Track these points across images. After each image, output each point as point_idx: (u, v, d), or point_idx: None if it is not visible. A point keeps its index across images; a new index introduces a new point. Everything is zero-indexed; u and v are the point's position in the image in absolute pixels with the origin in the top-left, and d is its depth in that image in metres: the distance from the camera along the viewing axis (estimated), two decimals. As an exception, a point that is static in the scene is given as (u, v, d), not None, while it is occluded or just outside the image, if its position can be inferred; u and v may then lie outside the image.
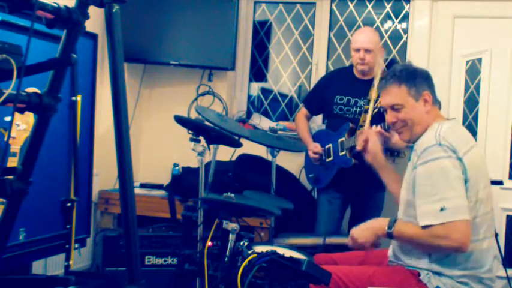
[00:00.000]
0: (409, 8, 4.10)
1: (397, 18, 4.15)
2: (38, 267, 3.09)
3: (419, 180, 2.00)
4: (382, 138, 2.97)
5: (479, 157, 2.10)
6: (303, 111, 3.61)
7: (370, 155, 2.51)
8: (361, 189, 3.33)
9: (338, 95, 3.37)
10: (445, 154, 1.95)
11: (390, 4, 4.15)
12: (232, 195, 2.26)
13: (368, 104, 3.24)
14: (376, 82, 3.18)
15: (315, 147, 3.36)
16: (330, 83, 3.48)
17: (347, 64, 4.12)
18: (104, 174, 3.72)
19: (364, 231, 2.13)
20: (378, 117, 3.10)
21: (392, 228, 2.03)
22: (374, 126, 3.00)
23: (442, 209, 1.90)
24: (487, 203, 2.07)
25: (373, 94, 3.22)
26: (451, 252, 1.97)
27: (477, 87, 3.88)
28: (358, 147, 2.69)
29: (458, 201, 1.92)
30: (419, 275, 2.02)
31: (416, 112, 2.14)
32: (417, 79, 2.15)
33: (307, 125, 3.59)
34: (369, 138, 2.56)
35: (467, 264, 2.00)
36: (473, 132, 3.82)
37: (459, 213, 1.90)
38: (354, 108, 3.33)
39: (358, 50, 3.26)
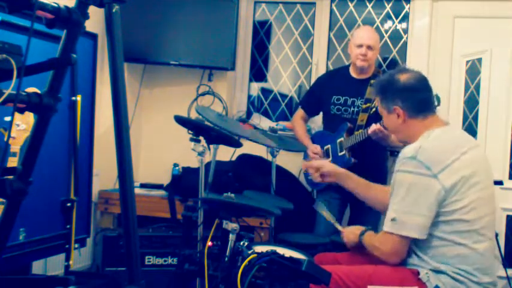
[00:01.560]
0: (409, 8, 4.10)
1: (397, 18, 4.15)
2: (38, 267, 3.09)
3: (392, 186, 2.10)
4: (381, 136, 2.98)
5: (474, 160, 2.09)
6: (299, 112, 3.61)
7: (330, 176, 2.48)
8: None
9: (335, 95, 3.37)
10: (414, 170, 1.98)
11: (390, 4, 4.15)
12: (232, 195, 2.26)
13: (365, 103, 3.25)
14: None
15: (314, 148, 3.36)
16: (327, 83, 3.48)
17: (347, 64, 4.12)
18: (104, 174, 3.73)
19: (350, 234, 2.30)
20: (376, 117, 3.10)
21: (362, 237, 2.20)
22: (373, 124, 3.01)
23: (392, 219, 2.01)
24: (488, 204, 2.07)
25: (370, 93, 3.23)
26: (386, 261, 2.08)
27: (477, 87, 3.88)
28: (318, 180, 2.53)
29: (408, 217, 1.99)
30: (418, 273, 2.03)
31: (391, 123, 2.22)
32: (388, 93, 2.18)
33: (304, 126, 3.59)
34: (316, 165, 2.51)
35: (467, 264, 2.00)
36: (473, 132, 3.82)
37: (404, 229, 1.99)
38: (352, 108, 3.33)
39: (360, 45, 3.26)
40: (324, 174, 2.48)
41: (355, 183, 2.45)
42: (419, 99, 2.16)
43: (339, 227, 2.47)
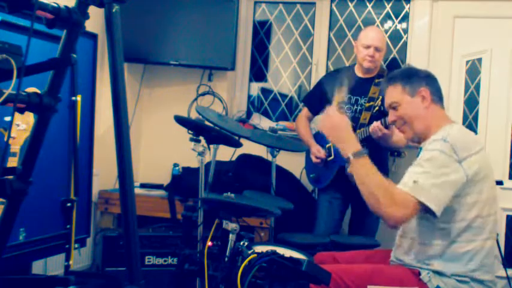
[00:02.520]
0: (409, 8, 4.10)
1: (397, 18, 4.15)
2: (38, 267, 3.09)
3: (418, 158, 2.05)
4: (382, 134, 2.98)
5: (486, 159, 2.11)
6: (303, 112, 3.61)
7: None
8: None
9: None
10: (444, 149, 1.97)
11: (390, 4, 4.15)
12: (232, 195, 2.26)
13: (369, 102, 3.25)
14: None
15: (317, 152, 3.36)
16: (331, 81, 3.47)
17: (347, 64, 4.13)
18: (104, 174, 3.72)
19: (331, 130, 2.08)
20: (379, 116, 3.11)
21: (357, 157, 1.97)
22: (374, 122, 3.01)
23: (414, 181, 1.91)
24: (493, 204, 2.08)
25: (374, 92, 3.23)
26: (382, 218, 1.95)
27: (477, 87, 3.88)
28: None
29: (430, 185, 1.92)
30: (419, 274, 2.03)
31: (413, 107, 2.16)
32: (413, 77, 2.19)
33: (308, 126, 3.59)
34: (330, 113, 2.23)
35: (468, 264, 2.00)
36: (473, 132, 3.82)
37: (423, 194, 1.90)
38: (355, 107, 3.33)
39: (368, 46, 3.25)
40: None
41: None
42: (438, 88, 2.21)
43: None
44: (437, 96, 2.18)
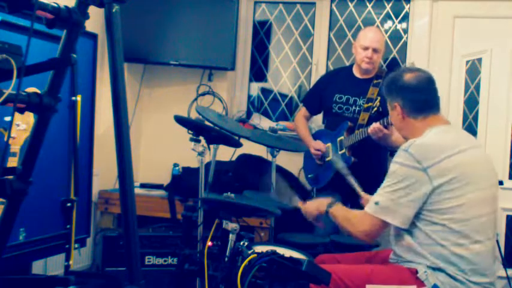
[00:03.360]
0: (409, 8, 4.10)
1: (397, 18, 4.15)
2: (38, 267, 3.09)
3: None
4: (381, 135, 2.98)
5: (471, 160, 2.09)
6: (302, 111, 3.61)
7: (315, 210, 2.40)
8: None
9: (337, 93, 3.37)
10: (405, 161, 2.01)
11: (390, 4, 4.15)
12: (232, 195, 2.26)
13: (367, 102, 3.25)
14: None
15: (316, 144, 3.37)
16: (329, 81, 3.48)
17: (347, 64, 4.12)
18: (104, 174, 3.73)
19: (313, 203, 2.39)
20: (377, 116, 3.10)
21: (330, 209, 2.28)
22: (374, 124, 3.01)
23: (376, 203, 2.06)
24: (484, 205, 2.06)
25: (372, 93, 3.22)
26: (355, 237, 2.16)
27: (477, 87, 3.88)
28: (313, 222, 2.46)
29: (393, 205, 2.02)
30: (417, 272, 2.03)
31: (394, 119, 2.28)
32: (391, 90, 2.23)
33: (307, 125, 3.59)
34: (310, 205, 2.44)
35: (466, 264, 2.00)
36: (473, 132, 3.82)
37: (387, 214, 2.03)
38: (353, 107, 3.33)
39: (366, 48, 3.25)
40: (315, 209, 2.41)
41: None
42: (418, 99, 2.17)
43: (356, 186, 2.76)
44: (414, 108, 2.16)
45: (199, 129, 2.73)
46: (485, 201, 2.08)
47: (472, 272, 2.00)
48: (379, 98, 3.19)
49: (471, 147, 2.11)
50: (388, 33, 4.16)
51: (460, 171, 2.01)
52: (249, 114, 4.42)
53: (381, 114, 3.12)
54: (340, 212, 2.26)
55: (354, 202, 3.45)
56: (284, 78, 4.42)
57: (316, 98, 3.52)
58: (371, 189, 3.30)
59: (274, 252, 1.75)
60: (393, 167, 2.06)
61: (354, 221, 2.15)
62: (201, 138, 2.76)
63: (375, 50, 3.24)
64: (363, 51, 3.26)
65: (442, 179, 1.98)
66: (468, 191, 2.02)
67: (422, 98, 2.17)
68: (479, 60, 3.87)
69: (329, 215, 2.28)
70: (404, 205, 2.00)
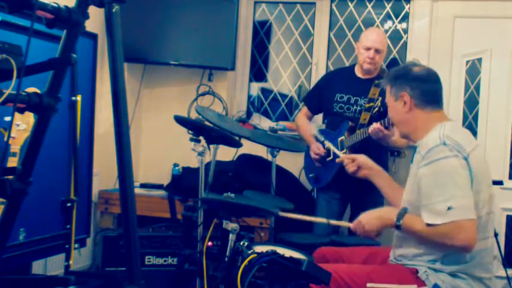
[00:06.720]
0: (409, 8, 4.10)
1: (397, 18, 4.15)
2: (38, 267, 3.09)
3: (425, 181, 1.99)
4: (382, 135, 2.98)
5: (482, 157, 2.10)
6: (303, 110, 3.61)
7: (364, 168, 2.45)
8: (361, 188, 3.32)
9: (338, 93, 3.37)
10: (450, 153, 1.94)
11: (390, 4, 4.15)
12: (232, 195, 2.26)
13: (369, 102, 3.25)
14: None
15: (317, 148, 3.36)
16: (331, 81, 3.48)
17: (347, 64, 4.13)
18: (104, 174, 3.73)
19: (373, 219, 2.12)
20: (378, 116, 3.11)
21: (401, 221, 2.01)
22: (374, 124, 3.01)
23: (449, 208, 1.88)
24: (490, 203, 2.07)
25: (374, 93, 3.23)
26: (457, 251, 1.96)
27: (477, 87, 3.89)
28: (352, 170, 2.48)
29: (465, 201, 1.91)
30: (417, 272, 2.03)
31: (395, 111, 2.20)
32: (399, 80, 2.17)
33: (308, 124, 3.59)
34: (353, 156, 2.50)
35: (466, 263, 2.00)
36: (473, 132, 3.83)
37: (466, 212, 1.89)
38: (354, 107, 3.33)
39: (369, 48, 3.26)
40: (360, 165, 2.44)
41: (386, 183, 2.41)
42: (428, 90, 2.15)
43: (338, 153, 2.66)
44: (423, 99, 2.13)
45: (199, 129, 2.73)
46: (492, 198, 2.09)
47: (476, 267, 2.00)
48: (380, 98, 3.20)
49: (477, 145, 2.11)
50: (388, 33, 4.15)
51: (478, 167, 2.00)
52: (249, 114, 4.42)
53: (382, 114, 3.12)
54: (420, 225, 1.98)
55: (354, 203, 3.46)
56: (284, 78, 4.42)
57: (317, 97, 3.52)
58: (371, 189, 3.33)
59: (274, 252, 1.75)
60: (440, 164, 1.95)
61: (447, 231, 1.90)
62: (201, 138, 2.76)
63: (377, 51, 3.25)
64: (365, 51, 3.26)
65: (475, 170, 1.96)
66: (485, 187, 2.03)
67: (433, 89, 2.16)
68: (479, 60, 3.87)
69: (401, 229, 2.04)
70: (469, 196, 1.92)
